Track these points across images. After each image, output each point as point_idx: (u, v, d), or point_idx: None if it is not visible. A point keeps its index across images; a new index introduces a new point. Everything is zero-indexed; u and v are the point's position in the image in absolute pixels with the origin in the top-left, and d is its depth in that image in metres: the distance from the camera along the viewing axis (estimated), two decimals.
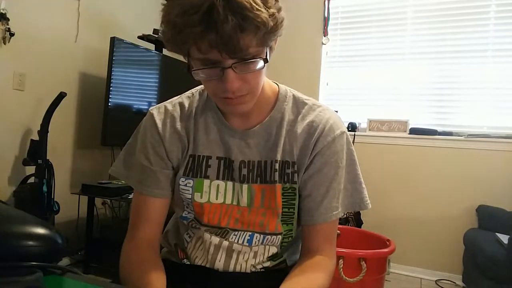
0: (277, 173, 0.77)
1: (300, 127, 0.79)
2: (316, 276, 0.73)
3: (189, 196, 0.80)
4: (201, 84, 0.80)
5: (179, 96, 0.86)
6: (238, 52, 0.60)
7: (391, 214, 2.88)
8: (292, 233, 0.83)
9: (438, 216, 2.77)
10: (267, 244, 0.82)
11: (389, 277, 2.60)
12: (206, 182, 0.79)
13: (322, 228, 0.78)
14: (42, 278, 0.51)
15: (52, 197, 2.27)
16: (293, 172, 0.78)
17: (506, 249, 1.96)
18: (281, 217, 0.79)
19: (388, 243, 2.11)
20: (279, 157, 0.78)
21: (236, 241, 0.81)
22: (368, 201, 0.81)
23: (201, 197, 0.80)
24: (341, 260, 1.90)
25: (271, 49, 0.69)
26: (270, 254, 0.82)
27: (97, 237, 2.52)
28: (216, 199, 0.80)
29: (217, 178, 0.80)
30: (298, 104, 0.82)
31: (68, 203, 2.49)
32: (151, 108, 0.85)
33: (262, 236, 0.81)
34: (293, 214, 0.80)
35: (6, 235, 0.54)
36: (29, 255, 0.53)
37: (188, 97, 0.85)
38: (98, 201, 2.60)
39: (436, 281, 2.68)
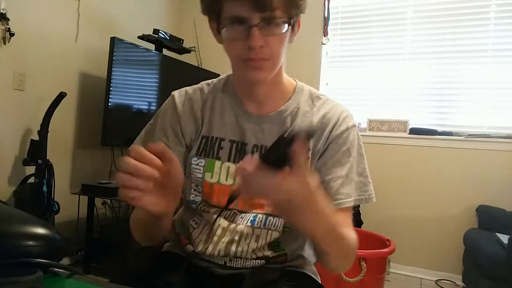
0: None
1: (315, 118, 0.83)
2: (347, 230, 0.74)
3: (200, 176, 0.83)
4: (218, 76, 0.90)
5: (200, 83, 0.92)
6: (266, 8, 0.67)
7: (391, 214, 2.88)
8: None
9: (438, 216, 2.77)
10: (270, 228, 0.82)
11: (389, 277, 2.59)
12: (218, 163, 0.82)
13: (338, 214, 0.78)
14: (42, 278, 0.51)
15: (52, 197, 2.27)
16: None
17: (506, 249, 1.96)
18: None
19: (388, 243, 2.11)
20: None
21: (242, 222, 0.82)
22: (373, 194, 0.84)
23: (212, 177, 0.82)
24: None
25: (293, 29, 0.76)
26: (272, 239, 0.83)
27: (97, 237, 2.52)
28: (226, 180, 0.82)
29: (228, 160, 0.82)
30: (313, 98, 0.87)
31: (68, 203, 2.49)
32: (173, 91, 0.90)
33: (264, 217, 0.82)
34: None
35: (6, 235, 0.54)
36: (29, 255, 0.53)
37: (208, 84, 0.90)
38: (98, 201, 2.60)
39: (436, 281, 2.68)
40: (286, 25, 0.71)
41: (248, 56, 0.71)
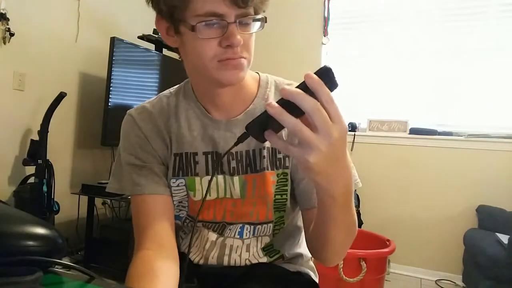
0: (265, 160, 0.76)
1: None
2: None
3: (184, 194, 0.79)
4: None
5: (157, 96, 0.84)
6: (246, 3, 0.63)
7: (391, 214, 2.87)
8: (283, 220, 0.82)
9: (438, 216, 2.77)
10: (259, 235, 0.82)
11: (389, 277, 2.59)
12: (197, 179, 0.79)
13: None
14: (42, 278, 0.51)
15: (52, 197, 2.26)
16: (284, 157, 0.77)
17: (506, 249, 1.96)
18: (274, 204, 0.78)
19: (388, 243, 2.11)
20: (267, 144, 0.76)
21: (230, 235, 0.81)
22: (359, 179, 0.79)
23: (195, 195, 0.79)
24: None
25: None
26: (263, 245, 0.82)
27: (97, 237, 2.52)
28: (210, 195, 0.79)
29: (207, 174, 0.79)
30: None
31: (68, 203, 2.49)
32: (129, 110, 0.82)
33: (252, 227, 0.80)
34: (286, 200, 0.79)
35: (5, 235, 0.54)
36: (29, 255, 0.53)
37: (167, 96, 0.83)
38: (98, 201, 2.60)
39: (436, 281, 2.68)
40: (260, 23, 0.67)
41: (226, 55, 0.65)
